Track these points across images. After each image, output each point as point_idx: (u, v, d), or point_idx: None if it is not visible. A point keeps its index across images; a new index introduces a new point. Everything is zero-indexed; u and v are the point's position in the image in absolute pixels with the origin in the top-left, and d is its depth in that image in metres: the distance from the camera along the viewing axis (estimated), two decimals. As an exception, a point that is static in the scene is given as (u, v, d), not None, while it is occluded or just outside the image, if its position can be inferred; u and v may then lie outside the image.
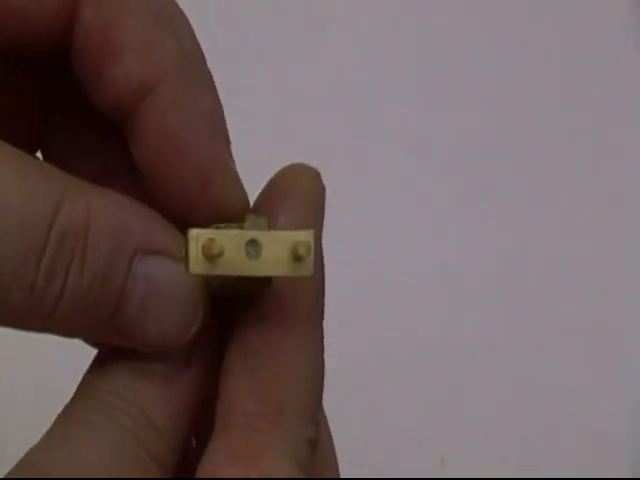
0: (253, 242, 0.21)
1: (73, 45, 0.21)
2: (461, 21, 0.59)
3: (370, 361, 0.51)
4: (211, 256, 0.20)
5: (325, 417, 0.24)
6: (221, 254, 0.20)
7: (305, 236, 0.21)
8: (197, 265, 0.20)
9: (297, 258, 0.21)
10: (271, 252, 0.21)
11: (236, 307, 0.22)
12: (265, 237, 0.21)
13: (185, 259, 0.21)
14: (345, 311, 0.51)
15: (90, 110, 0.22)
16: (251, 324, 0.22)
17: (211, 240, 0.20)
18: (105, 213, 0.20)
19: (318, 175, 0.23)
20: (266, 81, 0.53)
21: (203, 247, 0.20)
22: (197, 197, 0.21)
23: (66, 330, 0.20)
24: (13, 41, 0.21)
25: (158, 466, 0.20)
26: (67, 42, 0.21)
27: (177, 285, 0.21)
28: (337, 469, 0.25)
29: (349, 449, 0.49)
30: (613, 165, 0.56)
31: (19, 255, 0.19)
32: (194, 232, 0.20)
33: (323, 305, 0.23)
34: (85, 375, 0.22)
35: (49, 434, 0.20)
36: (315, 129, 0.51)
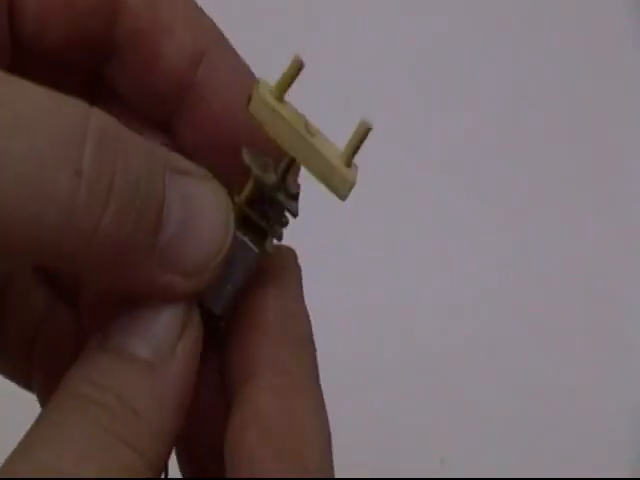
0: (309, 126, 0.22)
1: (119, 33, 0.22)
2: (461, 21, 0.59)
3: (370, 361, 0.51)
4: (278, 96, 0.21)
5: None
6: (283, 103, 0.21)
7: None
8: (262, 104, 0.21)
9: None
10: (325, 143, 0.22)
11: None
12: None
13: (247, 101, 0.21)
14: (345, 311, 0.51)
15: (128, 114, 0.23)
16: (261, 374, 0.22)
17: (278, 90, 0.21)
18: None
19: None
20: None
21: (270, 91, 0.21)
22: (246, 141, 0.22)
23: (109, 251, 0.20)
24: (62, 38, 0.22)
25: (139, 455, 0.20)
26: (110, 34, 0.22)
27: (211, 203, 0.21)
28: None
29: (349, 449, 0.49)
30: (613, 165, 0.56)
31: (62, 140, 0.18)
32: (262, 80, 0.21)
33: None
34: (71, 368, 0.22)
35: (23, 440, 0.20)
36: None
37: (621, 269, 0.54)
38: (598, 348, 0.52)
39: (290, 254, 0.24)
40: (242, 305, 0.23)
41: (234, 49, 0.24)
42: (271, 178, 0.22)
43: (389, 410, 0.50)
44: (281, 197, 0.22)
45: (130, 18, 0.22)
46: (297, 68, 0.21)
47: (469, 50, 0.58)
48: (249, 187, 0.22)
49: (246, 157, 0.22)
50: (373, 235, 0.53)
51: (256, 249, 0.22)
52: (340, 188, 0.22)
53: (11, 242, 0.18)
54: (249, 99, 0.21)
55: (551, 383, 0.51)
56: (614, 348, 0.52)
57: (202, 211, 0.21)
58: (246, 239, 0.22)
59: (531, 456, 0.50)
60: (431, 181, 0.55)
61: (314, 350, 0.23)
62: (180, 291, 0.21)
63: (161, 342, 0.21)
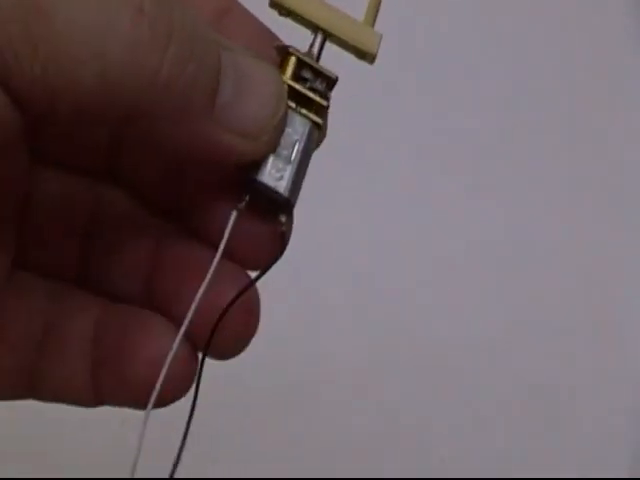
0: None
1: None
2: (460, 20, 0.59)
3: (370, 361, 0.51)
4: None
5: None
6: None
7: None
8: None
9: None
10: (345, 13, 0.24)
11: None
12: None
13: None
14: (345, 311, 0.51)
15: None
16: None
17: None
18: None
19: None
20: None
21: None
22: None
23: (172, 95, 0.20)
24: None
25: None
26: None
27: (263, 70, 0.22)
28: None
29: (349, 449, 0.49)
30: (613, 165, 0.56)
31: None
32: None
33: None
34: None
35: None
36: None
37: (621, 269, 0.54)
38: (598, 348, 0.52)
39: None
40: None
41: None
42: (311, 52, 0.24)
43: (389, 410, 0.50)
44: (321, 67, 0.24)
45: None
46: None
47: (468, 48, 0.58)
48: (291, 64, 0.23)
49: (279, 43, 0.24)
50: (372, 231, 0.53)
51: (313, 119, 0.23)
52: (371, 44, 0.24)
53: (79, 80, 0.19)
54: None
55: (551, 383, 0.51)
56: (614, 348, 0.52)
57: (255, 77, 0.22)
58: (301, 110, 0.23)
59: (531, 456, 0.50)
60: (432, 179, 0.55)
61: None
62: (240, 152, 0.22)
63: None
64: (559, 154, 0.56)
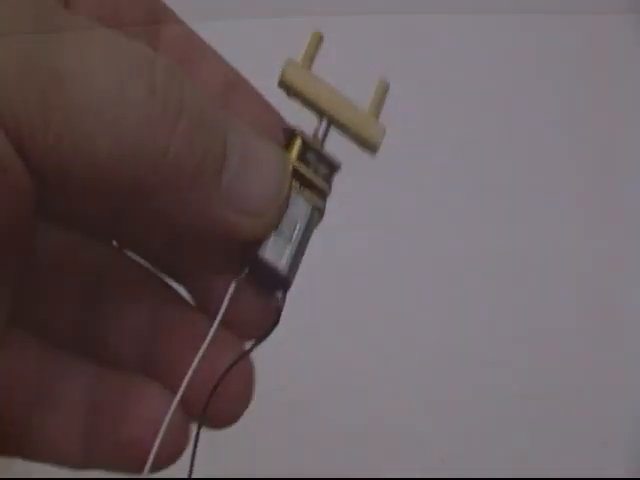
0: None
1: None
2: (460, 19, 0.59)
3: (370, 361, 0.51)
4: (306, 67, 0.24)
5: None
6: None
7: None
8: (296, 70, 0.24)
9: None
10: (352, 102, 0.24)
11: None
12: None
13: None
14: (345, 311, 0.51)
15: None
16: None
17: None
18: None
19: None
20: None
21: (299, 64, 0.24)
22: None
23: (181, 170, 0.21)
24: None
25: None
26: None
27: (268, 149, 0.23)
28: None
29: (350, 449, 0.49)
30: (613, 165, 0.56)
31: (137, 63, 0.20)
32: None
33: None
34: None
35: None
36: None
37: (622, 270, 0.54)
38: (598, 349, 0.52)
39: None
40: None
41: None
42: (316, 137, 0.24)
43: (389, 410, 0.50)
44: (325, 152, 0.24)
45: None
46: (317, 40, 0.24)
47: (468, 48, 0.58)
48: (297, 146, 0.24)
49: (286, 125, 0.24)
50: (372, 233, 0.53)
51: (313, 203, 0.24)
52: (375, 136, 0.24)
53: (90, 153, 0.19)
54: (281, 74, 0.24)
55: (551, 383, 0.51)
56: (614, 349, 0.52)
57: (260, 157, 0.22)
58: (305, 192, 0.24)
59: (531, 456, 0.50)
60: (431, 180, 0.55)
61: None
62: (243, 229, 0.22)
63: None
64: (558, 154, 0.56)
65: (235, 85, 0.25)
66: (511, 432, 0.50)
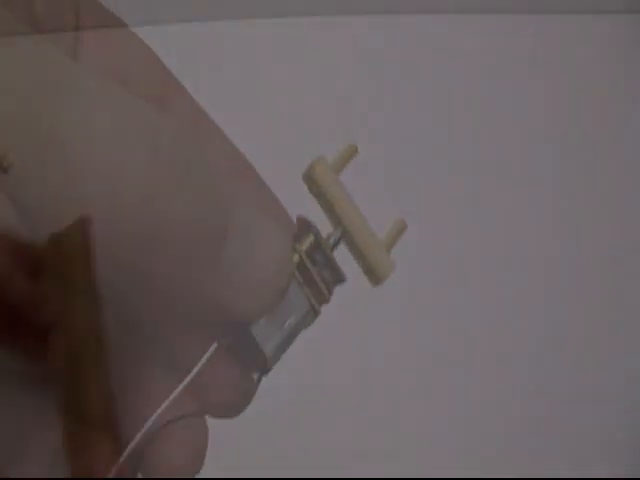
0: None
1: None
2: (459, 19, 0.59)
3: (370, 361, 0.51)
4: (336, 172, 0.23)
5: None
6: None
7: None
8: (326, 173, 0.23)
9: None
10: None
11: None
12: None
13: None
14: (345, 311, 0.51)
15: None
16: None
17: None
18: None
19: None
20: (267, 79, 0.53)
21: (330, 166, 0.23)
22: None
23: (184, 234, 0.20)
24: None
25: None
26: None
27: (273, 232, 0.22)
28: None
29: (349, 449, 0.49)
30: (613, 165, 0.56)
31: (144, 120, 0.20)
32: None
33: None
34: None
35: None
36: (314, 130, 0.51)
37: (622, 270, 0.54)
38: (598, 350, 0.52)
39: None
40: None
41: None
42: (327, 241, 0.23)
43: (389, 410, 0.50)
44: (333, 259, 0.24)
45: None
46: (352, 153, 0.24)
47: (467, 47, 0.58)
48: (308, 241, 0.23)
49: (302, 216, 0.24)
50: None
51: (311, 302, 0.23)
52: (384, 270, 0.24)
53: (92, 212, 0.19)
54: (311, 168, 0.23)
55: (551, 383, 0.51)
56: (614, 350, 0.52)
57: (263, 239, 0.22)
58: (305, 289, 0.23)
59: (531, 456, 0.50)
60: (432, 184, 0.55)
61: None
62: (239, 311, 0.21)
63: None
64: (558, 154, 0.56)
65: (244, 171, 0.24)
66: (511, 432, 0.50)
